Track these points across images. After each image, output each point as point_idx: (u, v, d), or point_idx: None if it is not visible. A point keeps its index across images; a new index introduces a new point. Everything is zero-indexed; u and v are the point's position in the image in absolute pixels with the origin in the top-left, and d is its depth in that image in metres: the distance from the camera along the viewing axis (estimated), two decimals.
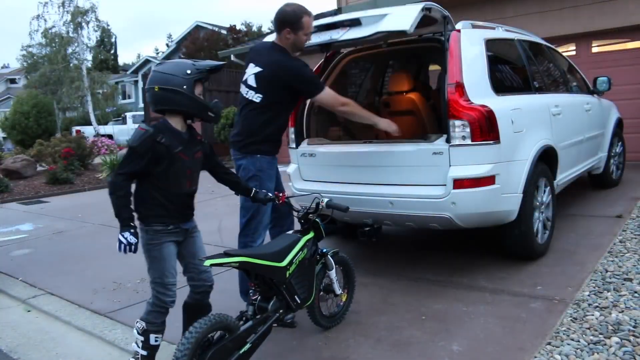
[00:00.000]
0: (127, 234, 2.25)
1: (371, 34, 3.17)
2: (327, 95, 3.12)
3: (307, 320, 2.86)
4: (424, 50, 4.37)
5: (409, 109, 4.23)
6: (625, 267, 3.39)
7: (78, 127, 21.54)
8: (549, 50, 4.96)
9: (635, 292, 3.00)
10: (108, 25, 29.82)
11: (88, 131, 19.94)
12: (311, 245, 2.72)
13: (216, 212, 6.18)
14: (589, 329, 2.62)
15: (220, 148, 11.30)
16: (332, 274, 2.89)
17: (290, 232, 2.84)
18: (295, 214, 2.84)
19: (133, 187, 2.34)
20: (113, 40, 39.47)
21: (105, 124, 23.11)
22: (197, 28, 27.15)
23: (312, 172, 3.96)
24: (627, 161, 6.41)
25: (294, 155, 4.08)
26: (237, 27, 24.87)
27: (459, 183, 3.15)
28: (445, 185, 3.19)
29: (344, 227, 4.56)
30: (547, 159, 3.82)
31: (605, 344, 2.46)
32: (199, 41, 24.23)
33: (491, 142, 3.18)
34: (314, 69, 3.83)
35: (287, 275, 2.49)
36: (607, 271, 3.36)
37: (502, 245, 3.73)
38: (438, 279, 3.57)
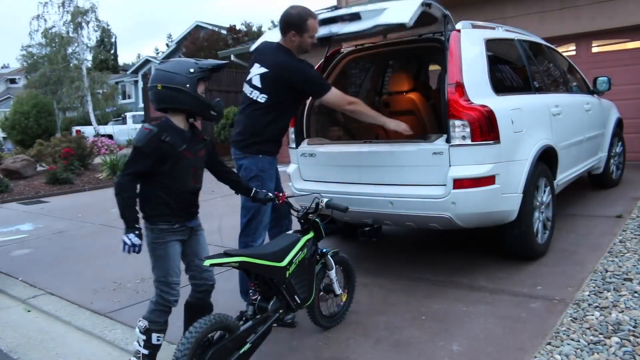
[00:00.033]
0: (131, 235, 2.26)
1: (370, 27, 3.17)
2: (334, 95, 3.14)
3: (307, 320, 2.86)
4: (424, 50, 4.37)
5: (409, 109, 4.23)
6: (625, 267, 3.39)
7: (78, 127, 21.53)
8: (549, 50, 4.96)
9: (635, 292, 3.00)
10: (108, 25, 29.75)
11: (88, 131, 19.94)
12: (311, 245, 2.72)
13: (216, 212, 6.17)
14: (589, 329, 2.62)
15: (220, 148, 11.29)
16: (332, 274, 2.89)
17: (291, 232, 2.84)
18: (295, 214, 2.84)
19: (137, 187, 2.35)
20: (113, 40, 39.50)
21: (105, 124, 23.11)
22: (197, 28, 27.14)
23: (312, 172, 3.96)
24: (627, 161, 6.41)
25: (294, 155, 4.08)
26: (237, 27, 24.85)
27: (459, 183, 3.15)
28: (445, 185, 3.19)
29: (344, 227, 4.56)
30: (547, 159, 3.82)
31: (605, 344, 2.46)
32: (199, 41, 24.21)
33: (491, 142, 3.18)
34: None
35: (287, 275, 2.49)
36: (607, 271, 3.36)
37: (502, 245, 3.73)
38: (438, 279, 3.57)
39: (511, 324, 2.78)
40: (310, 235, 2.75)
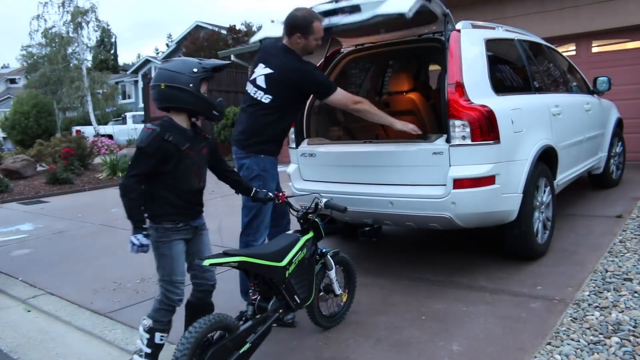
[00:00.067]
0: (139, 236, 2.26)
1: (370, 17, 3.17)
2: (340, 95, 3.16)
3: (307, 320, 2.86)
4: (424, 50, 4.37)
5: (409, 109, 4.23)
6: (625, 267, 3.39)
7: (78, 127, 21.50)
8: (549, 50, 4.96)
9: (635, 292, 3.00)
10: (108, 25, 29.76)
11: (88, 131, 19.92)
12: (310, 245, 2.72)
13: (216, 212, 6.17)
14: (589, 329, 2.62)
15: (220, 147, 11.28)
16: (332, 274, 2.89)
17: (290, 232, 2.84)
18: (294, 213, 2.85)
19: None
20: (113, 40, 39.47)
21: (105, 124, 23.09)
22: (197, 28, 27.14)
23: (312, 172, 3.96)
24: (627, 161, 6.41)
25: (294, 155, 4.08)
26: (237, 27, 24.85)
27: (459, 183, 3.15)
28: (445, 185, 3.19)
29: (344, 227, 4.56)
30: (547, 159, 3.82)
31: (605, 344, 2.46)
32: (199, 41, 24.21)
33: (491, 142, 3.18)
34: None
35: (287, 275, 2.49)
36: (607, 271, 3.36)
37: (502, 245, 3.73)
38: (438, 279, 3.57)
39: (511, 324, 2.78)
40: (310, 235, 2.75)
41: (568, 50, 7.96)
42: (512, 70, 4.12)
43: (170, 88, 2.30)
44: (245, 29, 25.25)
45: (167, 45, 40.04)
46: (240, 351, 2.24)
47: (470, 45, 3.42)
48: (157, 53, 42.47)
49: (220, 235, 5.07)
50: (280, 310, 2.51)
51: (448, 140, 3.20)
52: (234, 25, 24.68)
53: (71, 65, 21.55)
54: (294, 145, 4.05)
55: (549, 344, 2.51)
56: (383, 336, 2.79)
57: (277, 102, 3.09)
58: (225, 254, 2.25)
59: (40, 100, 20.53)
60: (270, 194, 2.80)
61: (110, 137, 18.44)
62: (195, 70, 2.32)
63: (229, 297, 3.27)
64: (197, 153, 2.42)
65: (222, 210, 6.32)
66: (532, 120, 3.72)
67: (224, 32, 24.69)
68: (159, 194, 2.34)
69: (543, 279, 3.35)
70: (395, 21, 3.38)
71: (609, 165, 5.69)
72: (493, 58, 3.65)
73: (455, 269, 3.71)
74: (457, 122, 3.16)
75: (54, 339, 3.20)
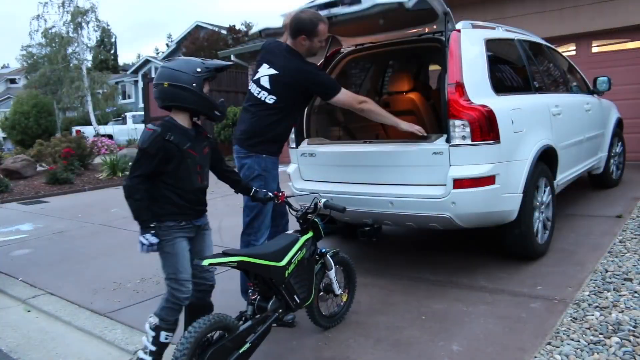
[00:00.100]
0: (148, 235, 2.27)
1: (369, 6, 3.16)
2: (344, 95, 3.17)
3: (307, 320, 2.86)
4: (424, 50, 4.37)
5: (409, 109, 4.23)
6: (625, 267, 3.39)
7: (78, 127, 21.49)
8: (549, 50, 4.96)
9: (635, 292, 3.00)
10: (108, 25, 29.66)
11: (88, 131, 19.91)
12: (310, 245, 2.72)
13: (216, 212, 6.17)
14: (589, 329, 2.62)
15: (220, 147, 11.27)
16: (332, 274, 2.89)
17: (290, 231, 2.84)
18: (293, 213, 2.85)
19: None
20: (113, 40, 39.45)
21: (105, 124, 23.09)
22: (197, 28, 27.14)
23: (312, 172, 3.96)
24: (627, 161, 6.41)
25: (294, 155, 4.08)
26: (237, 27, 24.85)
27: (459, 183, 3.15)
28: (445, 185, 3.19)
29: (344, 227, 4.56)
30: (547, 159, 3.82)
31: (605, 344, 2.46)
32: (199, 41, 24.21)
33: (491, 142, 3.18)
34: None
35: (286, 274, 2.49)
36: (607, 271, 3.36)
37: (502, 245, 3.73)
38: (438, 279, 3.57)
39: (511, 324, 2.78)
40: (309, 235, 2.75)
41: (568, 50, 7.96)
42: (512, 70, 4.11)
43: (173, 87, 2.31)
44: (245, 29, 25.24)
45: (167, 45, 40.05)
46: (240, 351, 2.24)
47: (470, 45, 3.42)
48: (157, 53, 42.50)
49: (220, 235, 5.08)
50: (280, 310, 2.51)
51: (448, 140, 3.20)
52: (234, 25, 24.68)
53: (71, 65, 21.54)
54: (294, 145, 4.05)
55: (549, 344, 2.51)
56: (383, 336, 2.79)
57: (281, 103, 3.10)
58: (225, 253, 2.25)
59: (40, 100, 20.54)
60: (270, 194, 2.80)
61: (110, 137, 18.44)
62: (198, 70, 2.33)
63: (228, 297, 3.27)
64: (199, 153, 2.43)
65: (222, 210, 6.32)
66: (532, 120, 3.72)
67: (224, 32, 24.69)
68: (161, 193, 2.35)
69: (543, 279, 3.35)
70: (396, 18, 3.37)
71: (609, 165, 5.69)
72: (493, 58, 3.65)
73: (455, 269, 3.71)
74: (457, 122, 3.16)
75: (54, 339, 3.20)
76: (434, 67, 5.24)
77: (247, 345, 2.27)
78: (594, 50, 7.94)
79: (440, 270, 3.71)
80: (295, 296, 2.57)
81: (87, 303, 3.69)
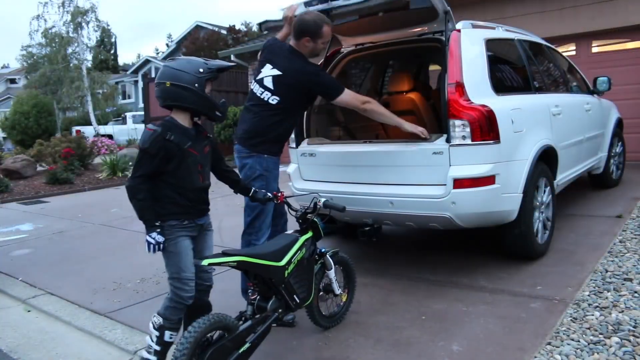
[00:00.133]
0: (154, 234, 2.28)
1: None
2: (348, 96, 3.18)
3: (307, 320, 2.86)
4: (424, 50, 4.37)
5: (409, 109, 4.23)
6: (625, 267, 3.39)
7: (78, 127, 21.49)
8: (549, 50, 4.96)
9: (635, 292, 3.00)
10: (108, 25, 29.66)
11: (88, 131, 19.91)
12: (309, 245, 2.72)
13: (216, 212, 6.15)
14: (589, 329, 2.62)
15: (220, 147, 11.28)
16: (331, 273, 2.89)
17: (290, 231, 2.84)
18: (293, 213, 2.85)
19: None
20: (113, 40, 39.45)
21: (105, 124, 23.10)
22: (197, 28, 27.14)
23: (312, 171, 3.96)
24: (627, 161, 6.41)
25: (294, 155, 4.08)
26: (237, 27, 24.86)
27: (459, 183, 3.15)
28: (445, 185, 3.19)
29: (344, 227, 4.56)
30: (547, 159, 3.82)
31: (605, 344, 2.46)
32: (199, 41, 24.21)
33: (491, 141, 3.18)
34: None
35: (286, 274, 2.49)
36: (607, 271, 3.36)
37: (502, 245, 3.73)
38: (438, 279, 3.57)
39: (511, 324, 2.78)
40: (309, 234, 2.75)
41: (568, 50, 7.96)
42: (512, 70, 4.11)
43: (175, 86, 2.31)
44: (245, 29, 25.26)
45: (167, 45, 40.07)
46: (240, 351, 2.24)
47: (470, 45, 3.42)
48: (157, 53, 42.51)
49: (220, 235, 5.07)
50: (280, 310, 2.51)
51: (448, 140, 3.20)
52: (234, 25, 24.69)
53: (71, 65, 21.53)
54: (294, 145, 4.04)
55: (549, 344, 2.51)
56: (383, 336, 2.79)
57: (284, 104, 3.12)
58: (224, 253, 2.25)
59: (40, 100, 20.54)
60: (269, 194, 2.80)
61: (110, 137, 18.44)
62: (201, 70, 2.34)
63: (228, 297, 3.28)
64: (200, 152, 2.43)
65: (222, 210, 6.32)
66: (532, 120, 3.72)
67: (223, 32, 24.69)
68: (163, 193, 2.35)
69: (543, 279, 3.35)
70: (396, 17, 3.37)
71: (609, 165, 5.69)
72: (493, 58, 3.64)
73: (455, 269, 3.71)
74: (457, 122, 3.16)
75: (54, 339, 3.20)
76: (434, 67, 5.24)
77: (247, 345, 2.27)
78: (594, 50, 7.94)
79: (440, 270, 3.71)
80: (295, 296, 2.57)
81: (87, 303, 3.69)
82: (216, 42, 23.35)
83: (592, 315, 2.77)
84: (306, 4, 3.41)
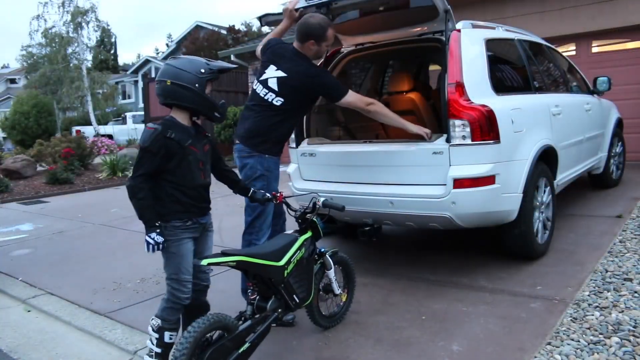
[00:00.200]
0: (153, 234, 2.27)
1: None
2: (352, 97, 3.20)
3: (306, 320, 2.86)
4: (424, 50, 4.37)
5: (409, 109, 4.23)
6: (625, 267, 3.39)
7: (78, 127, 21.50)
8: (549, 50, 4.96)
9: (635, 292, 3.00)
10: (108, 25, 29.70)
11: (88, 131, 19.92)
12: (309, 245, 2.72)
13: (216, 212, 6.14)
14: (589, 329, 2.62)
15: (220, 148, 11.27)
16: (331, 273, 2.88)
17: (290, 231, 2.84)
18: (292, 213, 2.85)
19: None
20: (113, 40, 39.46)
21: (105, 124, 23.10)
22: (197, 28, 27.15)
23: (312, 171, 3.96)
24: (627, 161, 6.41)
25: (294, 155, 4.08)
26: (237, 27, 24.85)
27: (459, 183, 3.15)
28: (445, 184, 3.19)
29: (344, 227, 4.56)
30: (547, 159, 3.82)
31: (605, 344, 2.46)
32: (199, 41, 24.20)
33: (491, 141, 3.18)
34: None
35: (285, 274, 2.49)
36: (607, 271, 3.35)
37: (502, 245, 3.73)
38: (438, 279, 3.57)
39: (511, 324, 2.78)
40: (308, 234, 2.75)
41: (568, 50, 7.96)
42: (512, 70, 4.11)
43: (176, 85, 2.32)
44: (245, 29, 25.25)
45: (167, 45, 40.07)
46: (240, 351, 2.24)
47: (470, 45, 3.42)
48: (157, 53, 42.52)
49: (220, 235, 5.07)
50: (280, 310, 2.51)
51: (448, 140, 3.20)
52: (234, 25, 24.68)
53: (71, 65, 21.54)
54: (294, 145, 4.04)
55: (549, 344, 2.51)
56: (383, 336, 2.79)
57: (287, 105, 3.13)
58: (224, 253, 2.25)
59: (40, 100, 20.54)
60: (268, 194, 2.80)
61: (110, 137, 18.44)
62: (202, 70, 2.35)
63: (228, 297, 3.28)
64: (200, 149, 2.44)
65: (222, 210, 6.32)
66: (532, 120, 3.72)
67: (223, 32, 24.68)
68: (164, 192, 2.35)
69: (543, 279, 3.34)
70: (396, 17, 3.36)
71: (609, 165, 5.69)
72: (493, 58, 3.64)
73: (455, 269, 3.70)
74: (457, 122, 3.16)
75: (54, 339, 3.20)
76: (434, 67, 5.24)
77: (246, 345, 2.27)
78: (594, 50, 7.93)
79: (440, 270, 3.71)
80: (294, 296, 2.57)
81: (87, 303, 3.69)
82: (216, 42, 23.34)
83: (592, 315, 2.77)
84: None
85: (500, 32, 4.08)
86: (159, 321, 2.40)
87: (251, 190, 2.78)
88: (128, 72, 34.51)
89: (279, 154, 3.23)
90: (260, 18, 3.66)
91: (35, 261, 4.95)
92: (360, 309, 3.15)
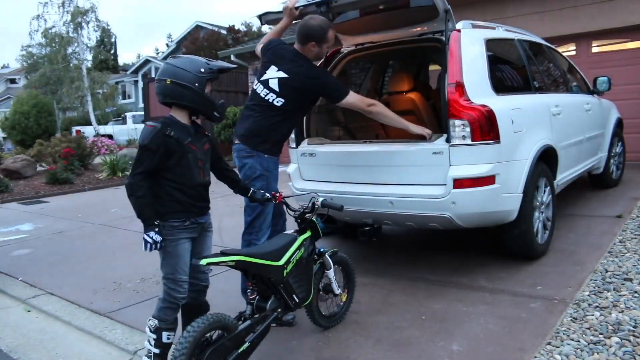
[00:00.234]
0: (151, 233, 2.27)
1: None
2: (353, 98, 3.21)
3: (306, 320, 2.86)
4: (424, 50, 4.37)
5: (409, 109, 4.23)
6: (625, 267, 3.38)
7: (78, 127, 21.49)
8: (549, 50, 4.96)
9: (635, 292, 3.00)
10: (108, 25, 29.65)
11: (88, 131, 19.91)
12: (308, 245, 2.72)
13: (216, 212, 6.15)
14: (589, 329, 2.62)
15: (220, 148, 11.27)
16: (331, 273, 2.88)
17: (290, 231, 2.84)
18: (291, 213, 2.85)
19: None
20: (113, 40, 39.44)
21: (105, 124, 23.09)
22: (197, 28, 27.15)
23: (312, 171, 3.96)
24: (627, 161, 6.40)
25: (294, 155, 4.08)
26: (237, 27, 24.85)
27: (459, 183, 3.15)
28: (445, 184, 3.19)
29: (344, 227, 4.56)
30: (547, 159, 3.82)
31: (605, 344, 2.46)
32: (199, 41, 24.20)
33: (491, 141, 3.18)
34: None
35: (285, 274, 2.49)
36: (607, 271, 3.35)
37: (502, 245, 3.73)
38: (438, 279, 3.57)
39: (511, 324, 2.78)
40: (308, 234, 2.75)
41: (568, 50, 7.96)
42: (512, 70, 4.11)
43: (175, 84, 2.32)
44: (245, 29, 25.24)
45: (167, 45, 40.05)
46: (239, 350, 2.24)
47: (471, 45, 3.42)
48: (157, 53, 42.52)
49: (220, 235, 5.07)
50: (279, 310, 2.51)
51: (448, 140, 3.20)
52: (234, 25, 24.67)
53: (71, 65, 21.52)
54: (294, 145, 4.04)
55: (549, 344, 2.51)
56: (383, 336, 2.79)
57: (288, 106, 3.14)
58: (223, 253, 2.25)
59: (40, 100, 20.54)
60: (268, 194, 2.81)
61: (110, 137, 18.43)
62: (202, 70, 2.35)
63: (227, 297, 3.28)
64: (200, 148, 2.44)
65: (222, 210, 6.32)
66: (532, 120, 3.72)
67: (223, 32, 24.68)
68: (164, 191, 2.35)
69: (543, 279, 3.34)
70: (396, 16, 3.35)
71: (609, 165, 5.69)
72: (493, 58, 3.64)
73: (455, 269, 3.70)
74: (457, 122, 3.16)
75: (54, 339, 3.20)
76: (434, 67, 5.24)
77: (246, 345, 2.27)
78: (594, 50, 7.93)
79: (440, 270, 3.71)
80: (294, 295, 2.57)
81: (87, 303, 3.69)
82: (216, 42, 23.34)
83: (592, 315, 2.77)
84: None
85: (500, 32, 4.07)
86: (156, 321, 2.39)
87: (251, 190, 2.78)
88: (128, 72, 34.51)
89: (278, 154, 3.23)
90: (260, 16, 3.66)
91: (35, 261, 4.95)
92: (360, 309, 3.15)
